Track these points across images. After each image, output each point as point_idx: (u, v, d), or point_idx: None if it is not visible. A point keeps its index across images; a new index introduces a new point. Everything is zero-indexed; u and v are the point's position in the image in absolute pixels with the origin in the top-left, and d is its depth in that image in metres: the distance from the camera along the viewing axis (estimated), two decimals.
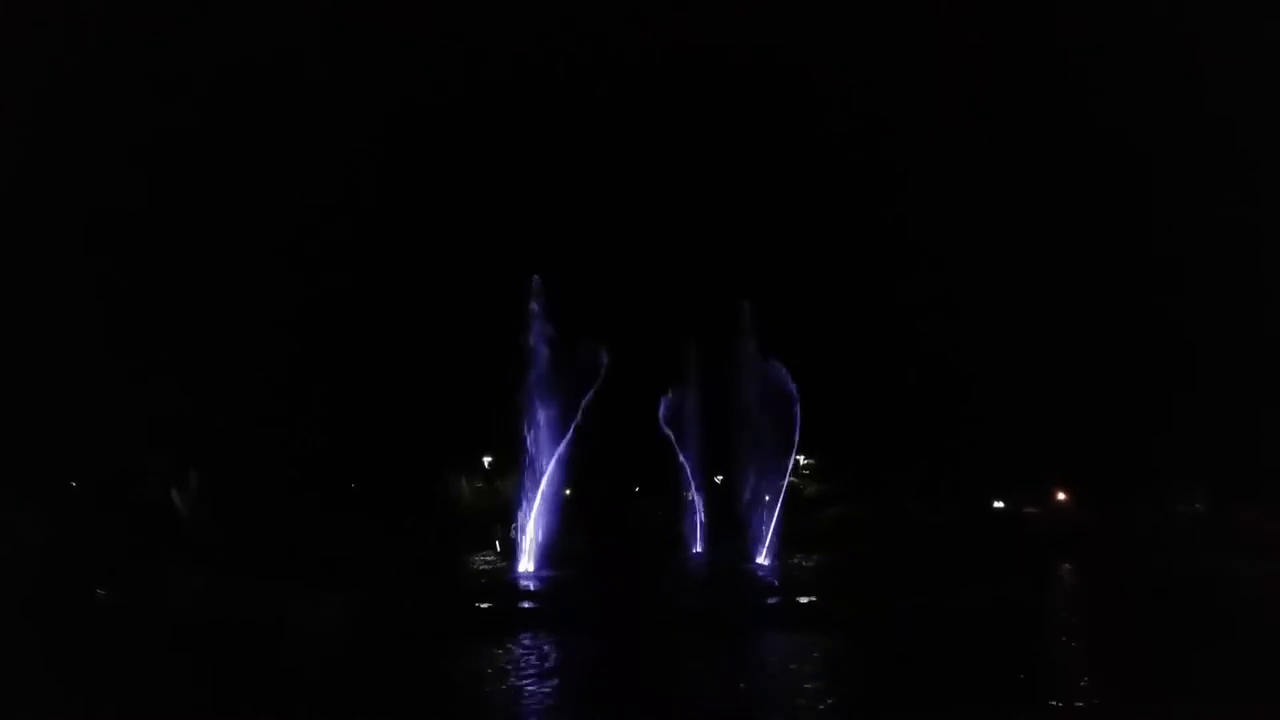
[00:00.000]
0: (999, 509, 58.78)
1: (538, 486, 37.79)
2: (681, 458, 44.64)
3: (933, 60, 64.89)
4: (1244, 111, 53.47)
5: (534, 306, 37.96)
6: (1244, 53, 52.80)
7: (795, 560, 39.13)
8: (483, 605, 27.65)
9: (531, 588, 31.29)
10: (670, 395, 44.57)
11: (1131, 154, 58.66)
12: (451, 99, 64.68)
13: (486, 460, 59.03)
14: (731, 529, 42.06)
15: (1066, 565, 40.26)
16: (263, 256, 55.90)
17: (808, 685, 16.85)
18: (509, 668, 18.79)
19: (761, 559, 39.17)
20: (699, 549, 44.15)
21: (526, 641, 21.82)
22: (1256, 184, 51.52)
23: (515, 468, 48.56)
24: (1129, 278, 57.70)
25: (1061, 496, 59.06)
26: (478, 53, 67.24)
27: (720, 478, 51.36)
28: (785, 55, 65.36)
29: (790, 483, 59.09)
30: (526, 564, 36.39)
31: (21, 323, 47.75)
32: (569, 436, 37.19)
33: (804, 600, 28.30)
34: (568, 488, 59.22)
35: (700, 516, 44.67)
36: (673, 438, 44.41)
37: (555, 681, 17.98)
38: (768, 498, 41.40)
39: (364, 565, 36.61)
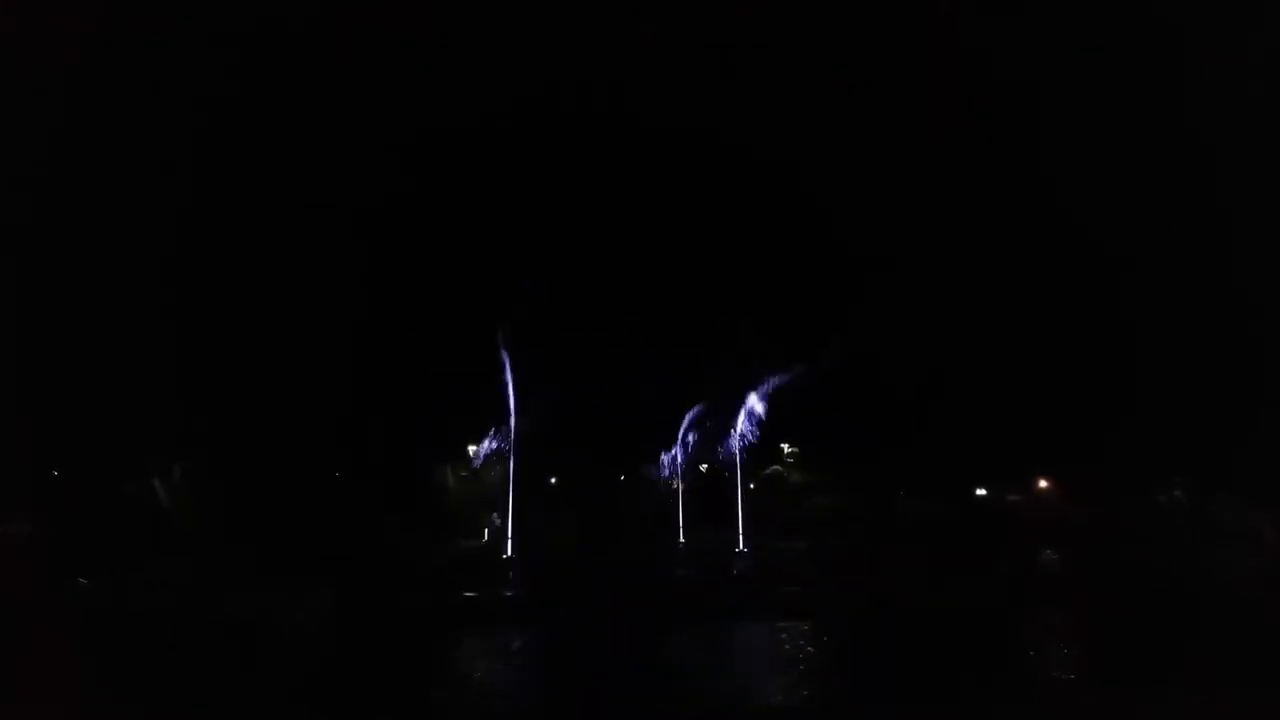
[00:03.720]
0: (982, 497, 59.18)
1: (525, 476, 37.95)
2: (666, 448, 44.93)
3: (901, 71, 65.65)
4: (1216, 108, 54.01)
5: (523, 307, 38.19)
6: (1210, 44, 53.32)
7: (779, 549, 39.31)
8: (469, 594, 27.82)
9: (518, 576, 31.48)
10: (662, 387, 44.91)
11: (1110, 152, 59.25)
12: (441, 114, 64.72)
13: (472, 450, 59.07)
14: (715, 518, 42.27)
15: (1053, 556, 40.40)
16: (254, 252, 55.75)
17: (793, 677, 16.99)
18: (497, 657, 18.94)
19: (743, 547, 39.42)
20: (681, 536, 44.36)
21: (512, 630, 22.01)
22: (1236, 185, 51.99)
23: (501, 457, 48.62)
24: (1111, 273, 58.13)
25: (1044, 485, 59.52)
26: (480, 70, 67.29)
27: (705, 466, 51.59)
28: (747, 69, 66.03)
29: (775, 471, 59.55)
30: (512, 551, 36.54)
31: (13, 318, 47.51)
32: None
33: (789, 589, 28.60)
34: (554, 477, 59.51)
35: (683, 505, 44.86)
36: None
37: (540, 670, 18.22)
38: (752, 486, 41.59)
39: (352, 556, 36.73)
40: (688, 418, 45.40)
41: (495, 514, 44.68)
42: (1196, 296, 53.86)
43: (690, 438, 45.71)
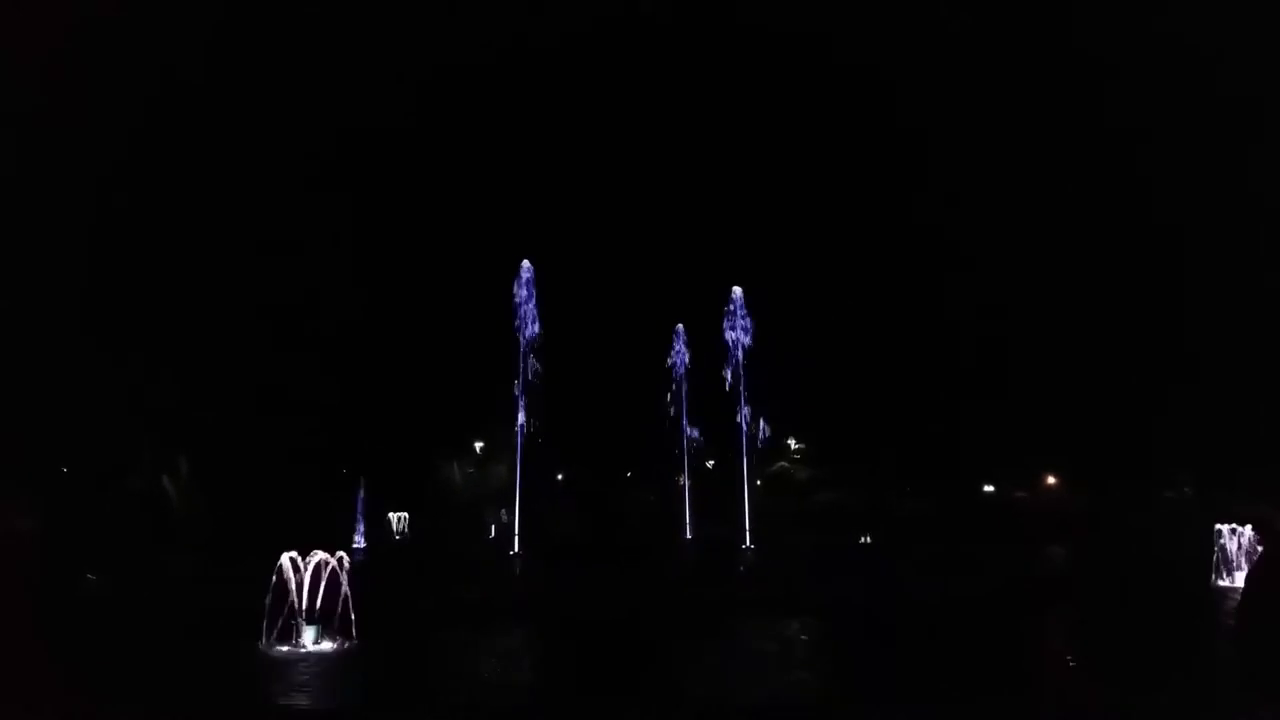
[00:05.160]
0: (988, 493, 59.19)
1: (529, 471, 38.04)
2: (674, 442, 44.93)
3: (954, 58, 65.42)
4: (1244, 103, 53.70)
5: (524, 290, 38.12)
6: (1244, 47, 53.06)
7: (785, 545, 39.36)
8: (472, 590, 27.78)
9: (524, 573, 31.51)
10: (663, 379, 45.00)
11: (1128, 144, 58.99)
12: (438, 85, 64.73)
13: (478, 445, 59.25)
14: (721, 514, 42.34)
15: (1058, 552, 40.34)
16: (250, 246, 55.96)
17: (793, 675, 16.93)
18: (498, 655, 18.94)
19: (749, 544, 39.48)
20: (689, 534, 44.41)
21: (516, 627, 22.02)
22: (1259, 177, 51.64)
23: (507, 452, 48.72)
24: (1121, 265, 57.95)
25: (1051, 481, 59.46)
26: (470, 36, 67.23)
27: (711, 463, 51.58)
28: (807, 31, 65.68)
29: (781, 467, 59.60)
30: (519, 548, 36.63)
31: (11, 311, 47.75)
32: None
33: (793, 585, 28.46)
34: (560, 474, 59.66)
35: (689, 500, 44.90)
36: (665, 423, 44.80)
37: (541, 667, 18.21)
38: (759, 482, 41.58)
39: (355, 553, 36.72)
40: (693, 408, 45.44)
41: (503, 510, 44.80)
42: (1229, 291, 53.62)
43: (696, 432, 45.76)
